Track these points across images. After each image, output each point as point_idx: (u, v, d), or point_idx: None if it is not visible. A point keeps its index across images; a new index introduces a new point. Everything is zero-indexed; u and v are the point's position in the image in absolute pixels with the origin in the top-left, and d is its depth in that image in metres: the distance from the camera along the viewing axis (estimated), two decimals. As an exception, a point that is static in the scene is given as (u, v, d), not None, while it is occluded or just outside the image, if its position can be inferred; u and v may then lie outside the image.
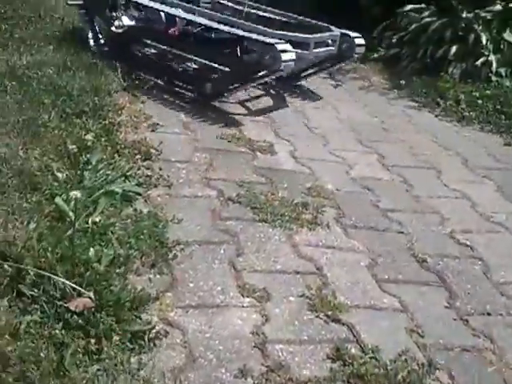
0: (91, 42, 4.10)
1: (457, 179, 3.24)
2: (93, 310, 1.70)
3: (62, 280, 1.75)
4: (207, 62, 3.66)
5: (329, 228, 2.54)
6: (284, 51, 3.39)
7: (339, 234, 2.52)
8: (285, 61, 3.38)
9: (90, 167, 2.51)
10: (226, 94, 3.75)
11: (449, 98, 4.38)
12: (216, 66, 3.62)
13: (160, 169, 2.76)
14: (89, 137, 2.75)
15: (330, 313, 1.99)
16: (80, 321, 1.65)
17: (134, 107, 3.42)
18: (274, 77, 3.64)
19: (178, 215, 2.40)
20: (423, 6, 4.98)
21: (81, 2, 4.15)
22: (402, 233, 2.61)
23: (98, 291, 1.76)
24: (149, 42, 3.93)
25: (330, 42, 3.97)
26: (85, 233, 2.06)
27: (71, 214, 2.00)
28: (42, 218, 2.08)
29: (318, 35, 3.89)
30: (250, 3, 4.38)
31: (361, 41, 4.12)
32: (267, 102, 4.02)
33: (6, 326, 1.54)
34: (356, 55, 4.19)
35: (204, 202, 2.58)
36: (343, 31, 4.06)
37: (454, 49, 4.61)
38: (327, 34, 3.97)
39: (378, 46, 5.14)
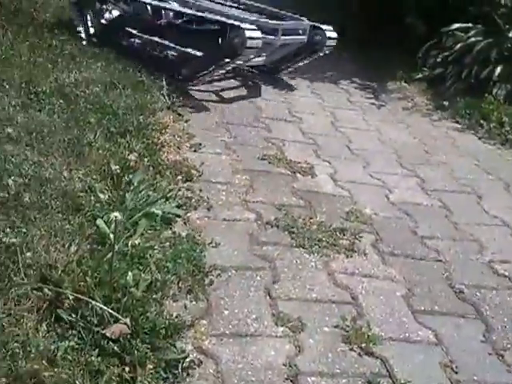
0: (82, 34, 4.31)
1: (498, 205, 3.19)
2: (129, 336, 1.74)
3: (100, 305, 1.79)
4: (183, 49, 3.90)
5: (366, 255, 2.53)
6: (249, 30, 3.62)
7: (376, 261, 2.51)
8: (250, 37, 3.58)
9: (131, 188, 2.56)
10: (200, 78, 3.92)
11: (492, 119, 4.32)
12: (190, 51, 3.85)
13: (200, 190, 2.79)
14: (132, 157, 2.81)
15: (363, 345, 1.98)
16: (116, 348, 1.68)
17: (178, 126, 3.47)
18: (244, 60, 3.84)
19: (216, 239, 2.43)
20: (469, 25, 4.92)
21: None
22: (440, 261, 2.59)
23: (134, 317, 1.80)
24: (135, 32, 4.14)
25: (300, 32, 4.18)
26: (124, 256, 2.10)
27: (111, 236, 2.04)
28: (83, 241, 2.12)
29: (286, 22, 4.12)
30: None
31: (332, 34, 4.32)
32: (315, 121, 4.02)
33: (44, 351, 1.59)
34: (327, 47, 4.36)
35: (242, 225, 2.60)
36: (315, 24, 4.27)
37: (499, 69, 4.54)
38: (294, 22, 4.19)
39: (422, 65, 5.08)
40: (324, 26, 4.31)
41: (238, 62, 3.89)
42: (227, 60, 3.79)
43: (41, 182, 2.37)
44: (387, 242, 2.66)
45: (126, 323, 1.77)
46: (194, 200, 2.71)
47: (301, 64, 4.60)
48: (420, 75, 5.07)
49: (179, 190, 2.74)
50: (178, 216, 2.54)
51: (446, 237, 2.80)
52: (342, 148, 3.70)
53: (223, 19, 3.83)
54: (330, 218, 2.77)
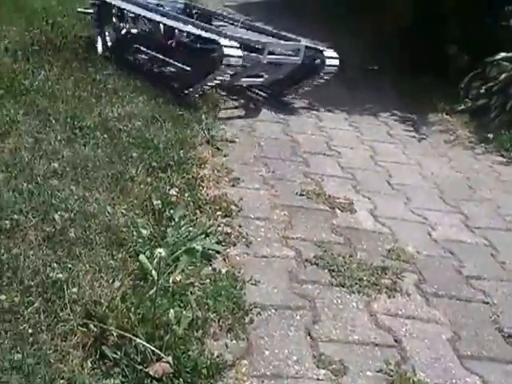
0: (99, 48, 4.64)
1: (547, 245, 3.11)
2: (171, 375, 1.73)
3: (143, 343, 1.80)
4: (177, 64, 4.21)
5: (409, 296, 2.49)
6: (228, 47, 3.73)
7: (420, 302, 2.46)
8: (226, 54, 3.69)
9: (172, 223, 2.58)
10: (191, 89, 4.08)
11: (539, 153, 4.24)
12: (181, 66, 4.15)
13: (239, 226, 2.80)
14: (173, 192, 2.84)
15: (408, 391, 1.94)
16: (159, 387, 1.68)
17: (217, 160, 3.50)
18: (226, 74, 3.89)
19: (256, 276, 2.42)
20: (515, 55, 4.85)
21: (91, 11, 4.76)
22: (487, 303, 2.52)
23: (176, 356, 1.80)
24: (142, 49, 4.50)
25: (293, 52, 4.23)
26: (165, 292, 2.11)
27: (154, 273, 2.05)
28: (126, 276, 2.15)
29: (274, 41, 4.20)
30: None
31: (333, 59, 4.31)
32: (354, 155, 4.01)
33: (89, 389, 1.60)
34: (327, 71, 4.35)
35: (282, 262, 2.59)
36: (315, 46, 4.35)
37: (545, 100, 4.46)
38: (284, 41, 4.26)
39: (464, 97, 5.03)
40: (324, 49, 4.33)
41: (221, 78, 3.96)
42: (210, 76, 3.94)
43: (85, 217, 2.42)
44: (431, 281, 2.61)
45: (168, 362, 1.77)
46: (233, 236, 2.71)
47: (306, 88, 4.59)
48: (462, 107, 5.00)
49: (219, 225, 2.75)
50: (218, 252, 2.55)
51: (493, 277, 2.73)
52: (381, 183, 3.67)
53: (205, 35, 4.02)
54: (370, 255, 2.74)
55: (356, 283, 2.49)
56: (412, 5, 5.79)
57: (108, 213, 2.51)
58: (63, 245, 2.22)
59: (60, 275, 2.01)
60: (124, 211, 2.57)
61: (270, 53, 4.10)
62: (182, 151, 3.32)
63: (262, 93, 4.70)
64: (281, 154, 3.81)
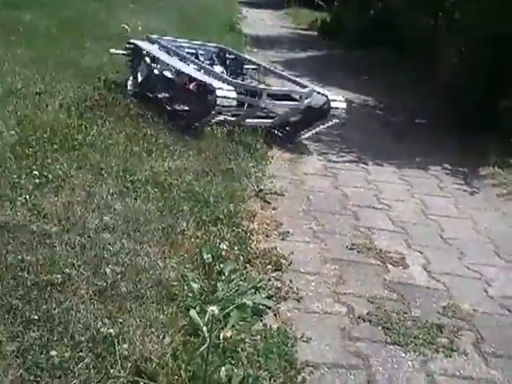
0: (129, 86, 4.98)
1: None
2: None
3: (194, 403, 1.76)
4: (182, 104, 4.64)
5: (466, 355, 2.38)
6: (221, 89, 4.08)
7: (478, 362, 2.36)
8: (219, 96, 4.05)
9: (223, 278, 2.57)
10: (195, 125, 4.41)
11: None
12: (184, 107, 4.59)
13: (290, 280, 2.76)
14: (223, 246, 2.83)
15: None
16: None
17: (266, 213, 3.49)
18: (221, 114, 4.24)
19: (307, 333, 2.36)
20: None
21: (124, 52, 5.15)
22: (549, 364, 2.39)
23: (227, 417, 1.75)
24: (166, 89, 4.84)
25: (296, 97, 4.51)
26: (216, 348, 2.07)
27: (205, 329, 2.02)
28: (177, 332, 2.12)
29: (273, 88, 4.65)
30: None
31: (339, 103, 4.52)
32: (404, 208, 3.94)
33: None
34: (333, 115, 4.56)
35: (334, 319, 2.52)
36: (320, 91, 4.59)
37: None
38: (286, 88, 4.65)
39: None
40: (330, 94, 4.54)
41: (218, 117, 4.30)
42: (209, 115, 4.28)
43: (136, 271, 2.43)
44: (489, 341, 2.50)
45: (219, 422, 1.72)
46: (283, 291, 2.67)
47: (313, 131, 4.73)
48: (515, 160, 4.89)
49: (269, 280, 2.72)
50: (269, 307, 2.51)
51: (554, 336, 2.60)
52: (433, 237, 3.58)
53: (204, 79, 4.40)
54: (425, 312, 2.65)
55: (411, 341, 2.41)
56: (463, 59, 5.78)
57: (159, 267, 2.51)
58: (114, 299, 2.22)
59: (111, 330, 2.00)
60: (175, 265, 2.57)
61: (275, 97, 4.51)
62: (231, 205, 3.32)
63: (309, 143, 4.80)
64: (330, 207, 3.78)
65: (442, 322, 2.58)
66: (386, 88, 6.81)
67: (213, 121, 4.31)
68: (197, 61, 4.93)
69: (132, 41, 5.15)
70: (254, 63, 5.15)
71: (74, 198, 3.01)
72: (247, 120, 4.52)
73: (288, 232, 3.30)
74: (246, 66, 5.14)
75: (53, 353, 1.90)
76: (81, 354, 1.92)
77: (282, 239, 3.22)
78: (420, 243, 3.43)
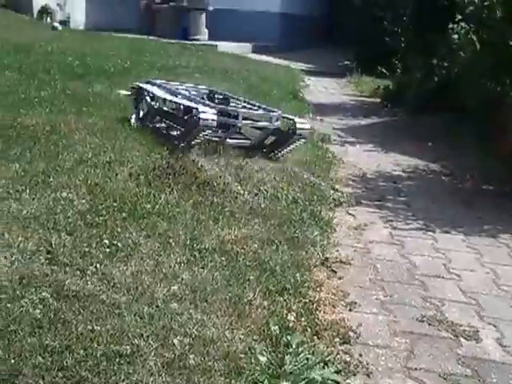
0: (132, 120, 5.76)
1: None
2: None
3: None
4: (178, 127, 5.38)
5: None
6: (203, 112, 4.81)
7: None
8: (203, 118, 4.76)
9: (290, 350, 2.53)
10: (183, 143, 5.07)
11: None
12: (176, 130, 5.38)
13: (359, 354, 2.69)
14: (290, 317, 2.81)
15: None
16: None
17: (332, 283, 3.45)
18: (204, 132, 4.92)
19: (379, 411, 2.28)
20: None
21: (130, 93, 6.08)
22: None
23: None
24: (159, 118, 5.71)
25: (266, 120, 5.34)
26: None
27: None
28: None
29: (247, 110, 5.42)
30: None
31: (303, 125, 5.34)
32: (474, 278, 3.82)
33: None
34: (299, 136, 5.31)
35: (406, 396, 2.43)
36: (288, 116, 5.47)
37: None
38: (257, 111, 5.46)
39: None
40: (297, 119, 5.46)
41: (201, 134, 4.95)
42: (193, 132, 4.97)
43: (204, 343, 2.42)
44: None
45: None
46: (352, 365, 2.61)
47: (286, 150, 5.45)
48: None
49: (337, 353, 2.67)
50: (338, 383, 2.44)
51: None
52: (507, 309, 3.44)
53: (188, 104, 5.22)
54: (503, 391, 2.52)
55: (489, 422, 2.29)
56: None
57: (226, 338, 2.50)
58: (182, 372, 2.22)
59: (180, 405, 1.99)
60: (242, 336, 2.55)
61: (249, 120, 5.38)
62: (297, 274, 3.30)
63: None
64: (397, 276, 3.70)
65: (522, 403, 2.44)
66: (450, 153, 6.73)
67: (198, 140, 5.03)
68: (188, 94, 5.75)
69: (136, 83, 6.06)
70: (238, 99, 5.89)
71: (142, 267, 3.06)
72: (229, 140, 5.29)
73: (355, 303, 3.24)
74: (231, 103, 5.85)
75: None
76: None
77: (350, 310, 3.16)
78: (493, 315, 3.30)
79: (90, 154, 4.57)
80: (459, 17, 7.14)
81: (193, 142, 5.04)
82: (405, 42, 9.95)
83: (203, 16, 16.08)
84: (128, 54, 10.17)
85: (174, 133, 5.44)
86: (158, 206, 3.92)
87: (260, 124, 5.44)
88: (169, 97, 5.55)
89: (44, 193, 3.73)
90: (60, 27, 14.10)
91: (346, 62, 14.99)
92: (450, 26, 7.31)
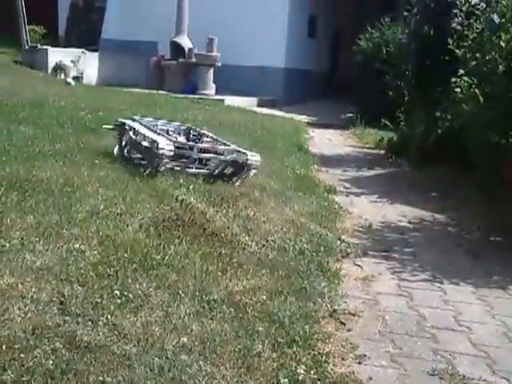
0: (115, 150, 6.51)
1: None
2: None
3: None
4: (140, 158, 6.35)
5: None
6: (161, 143, 5.68)
7: None
8: (161, 148, 5.65)
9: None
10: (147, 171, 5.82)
11: None
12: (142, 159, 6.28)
13: (370, 409, 2.66)
14: (300, 369, 2.79)
15: None
16: None
17: (341, 335, 3.43)
18: (163, 161, 5.77)
19: None
20: None
21: (113, 127, 6.77)
22: None
23: None
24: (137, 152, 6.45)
25: (221, 152, 6.22)
26: None
27: None
28: None
29: (201, 144, 6.32)
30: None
31: (254, 157, 6.09)
32: (485, 331, 3.79)
33: None
34: (252, 166, 6.11)
35: None
36: (242, 150, 6.22)
37: None
38: (214, 145, 6.41)
39: None
40: (247, 152, 6.18)
41: (162, 163, 5.77)
42: (154, 161, 5.83)
43: (214, 396, 2.41)
44: None
45: None
46: (364, 419, 2.57)
47: (242, 178, 6.20)
48: None
49: (349, 408, 2.64)
50: None
51: None
52: (522, 363, 3.40)
53: (155, 138, 5.86)
54: None
55: None
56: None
57: (236, 391, 2.49)
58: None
59: None
60: (251, 389, 2.54)
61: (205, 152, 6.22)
62: (306, 326, 3.30)
63: None
64: (407, 328, 3.67)
65: None
66: (456, 204, 6.76)
67: (161, 168, 5.80)
68: (160, 131, 6.40)
69: (119, 120, 6.81)
70: (208, 136, 6.77)
71: (152, 318, 3.07)
72: (188, 169, 6.06)
73: (365, 355, 3.22)
74: (205, 139, 6.74)
75: None
76: None
77: (359, 363, 3.14)
78: (505, 369, 3.27)
79: (102, 205, 4.63)
80: (461, 71, 7.27)
81: (157, 169, 5.84)
82: (407, 95, 10.10)
83: (211, 71, 16.47)
84: (138, 108, 10.32)
85: (144, 162, 6.31)
86: (167, 257, 3.95)
87: (221, 157, 6.28)
88: (141, 130, 6.34)
89: (57, 244, 3.79)
90: (73, 83, 14.47)
91: (349, 115, 15.21)
92: (453, 79, 7.43)
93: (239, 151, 6.26)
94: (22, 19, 16.54)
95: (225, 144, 6.46)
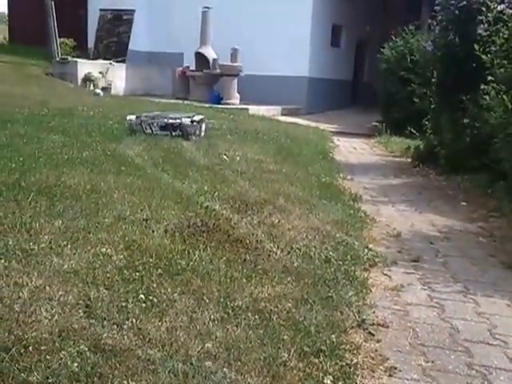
0: (128, 124, 8.73)
1: None
2: None
3: None
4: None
5: None
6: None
7: None
8: (156, 123, 8.58)
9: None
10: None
11: None
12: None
13: (401, 423, 2.55)
14: (327, 380, 2.70)
15: None
16: None
17: (370, 346, 3.32)
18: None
19: None
20: None
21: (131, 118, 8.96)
22: None
23: None
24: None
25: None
26: None
27: None
28: None
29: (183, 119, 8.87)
30: None
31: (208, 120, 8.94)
32: None
33: None
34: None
35: None
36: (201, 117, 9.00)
37: None
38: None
39: None
40: (203, 117, 9.21)
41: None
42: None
43: (240, 405, 2.32)
44: None
45: None
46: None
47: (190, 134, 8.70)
48: None
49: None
50: None
51: None
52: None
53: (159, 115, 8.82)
54: None
55: None
56: None
57: (262, 400, 2.40)
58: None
59: None
60: (278, 400, 2.44)
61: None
62: (333, 335, 3.19)
63: None
64: (439, 341, 3.54)
65: None
66: (487, 214, 6.60)
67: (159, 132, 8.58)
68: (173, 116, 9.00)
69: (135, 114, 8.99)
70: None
71: (177, 323, 3.02)
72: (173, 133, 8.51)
73: (395, 368, 3.10)
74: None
75: None
76: None
77: (390, 375, 3.02)
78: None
79: (128, 211, 4.66)
80: (490, 78, 7.12)
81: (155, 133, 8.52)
82: (434, 103, 9.95)
83: (235, 81, 16.55)
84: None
85: (148, 130, 8.57)
86: (192, 263, 3.89)
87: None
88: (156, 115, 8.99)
89: (84, 248, 3.82)
90: (101, 93, 14.74)
91: (375, 123, 15.08)
92: (482, 86, 7.29)
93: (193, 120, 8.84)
94: (53, 32, 16.87)
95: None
